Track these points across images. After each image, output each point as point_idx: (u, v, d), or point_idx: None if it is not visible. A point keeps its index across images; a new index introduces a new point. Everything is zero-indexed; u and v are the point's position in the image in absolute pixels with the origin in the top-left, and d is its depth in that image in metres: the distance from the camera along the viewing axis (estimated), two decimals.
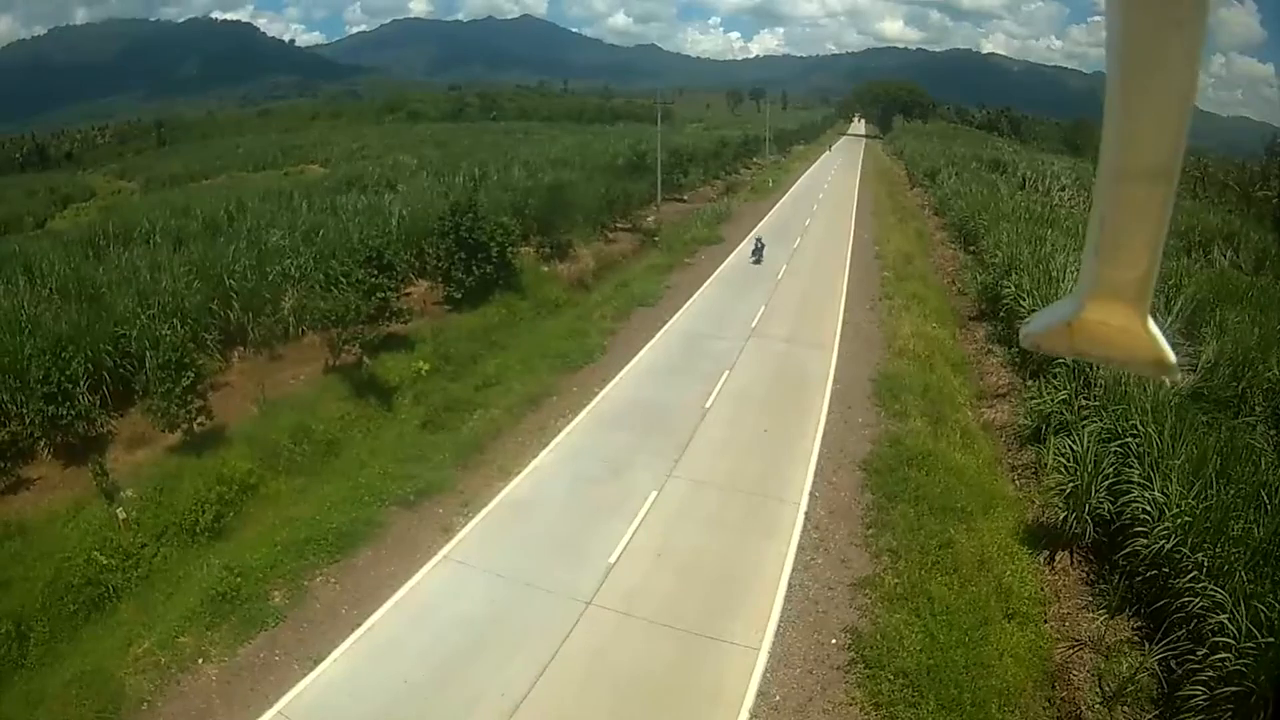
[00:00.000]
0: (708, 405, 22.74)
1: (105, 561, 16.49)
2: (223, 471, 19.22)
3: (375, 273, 26.45)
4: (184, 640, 14.22)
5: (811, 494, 17.90)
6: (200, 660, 13.85)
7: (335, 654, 13.78)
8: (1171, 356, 1.28)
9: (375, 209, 38.42)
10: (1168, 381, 1.47)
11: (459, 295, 31.01)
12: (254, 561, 16.20)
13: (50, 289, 28.27)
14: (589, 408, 23.43)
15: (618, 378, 25.24)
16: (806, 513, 17.17)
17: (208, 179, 78.68)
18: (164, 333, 23.11)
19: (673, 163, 60.95)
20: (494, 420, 22.56)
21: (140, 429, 21.22)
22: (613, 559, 15.96)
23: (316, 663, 13.61)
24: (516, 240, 34.86)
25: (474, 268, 30.94)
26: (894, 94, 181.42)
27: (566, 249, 39.28)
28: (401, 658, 13.54)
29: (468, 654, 13.49)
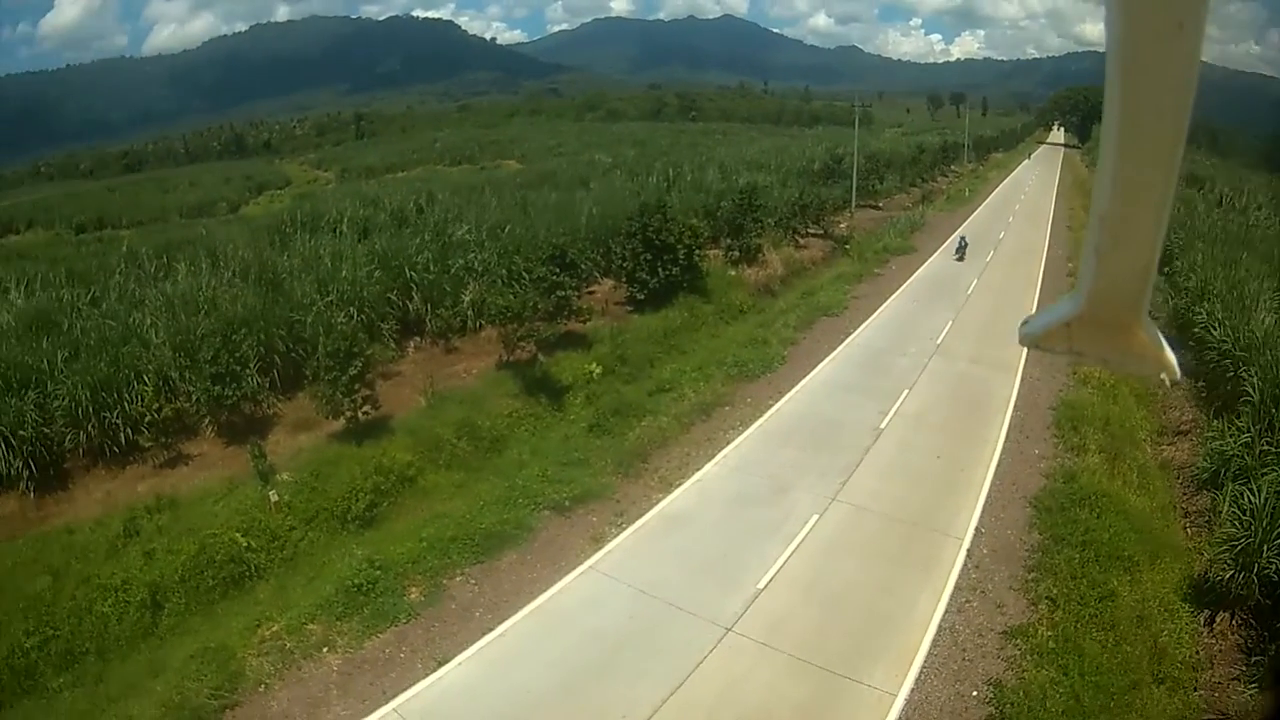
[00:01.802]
0: (882, 426, 23.81)
1: (247, 542, 18.63)
2: (382, 461, 21.26)
3: (557, 270, 28.26)
4: (313, 627, 15.89)
5: (977, 530, 18.48)
6: (325, 649, 15.42)
7: (462, 657, 14.96)
8: (1170, 356, 1.60)
9: (565, 206, 41.05)
10: (1166, 381, 1.84)
11: (642, 296, 32.63)
12: (397, 555, 17.87)
13: (233, 272, 32.63)
14: (761, 421, 24.52)
15: (794, 391, 26.72)
16: (969, 550, 17.73)
17: (403, 171, 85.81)
18: (339, 320, 26.06)
19: (869, 168, 62.45)
20: (662, 428, 23.85)
21: (306, 414, 23.87)
22: (762, 584, 16.57)
23: (441, 664, 14.82)
24: (705, 243, 36.89)
25: (659, 269, 32.50)
26: (1092, 101, 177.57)
27: (756, 254, 40.70)
28: (528, 667, 14.48)
29: (597, 670, 14.28)
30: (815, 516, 18.89)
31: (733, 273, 38.67)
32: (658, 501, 20.09)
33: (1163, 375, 1.52)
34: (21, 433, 21.18)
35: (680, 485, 20.83)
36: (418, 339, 29.03)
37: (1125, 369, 1.61)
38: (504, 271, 30.31)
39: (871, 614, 15.71)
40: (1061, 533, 17.90)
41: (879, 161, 67.47)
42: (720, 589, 16.43)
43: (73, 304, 30.51)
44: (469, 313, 29.16)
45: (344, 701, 14.19)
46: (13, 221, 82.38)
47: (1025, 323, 1.59)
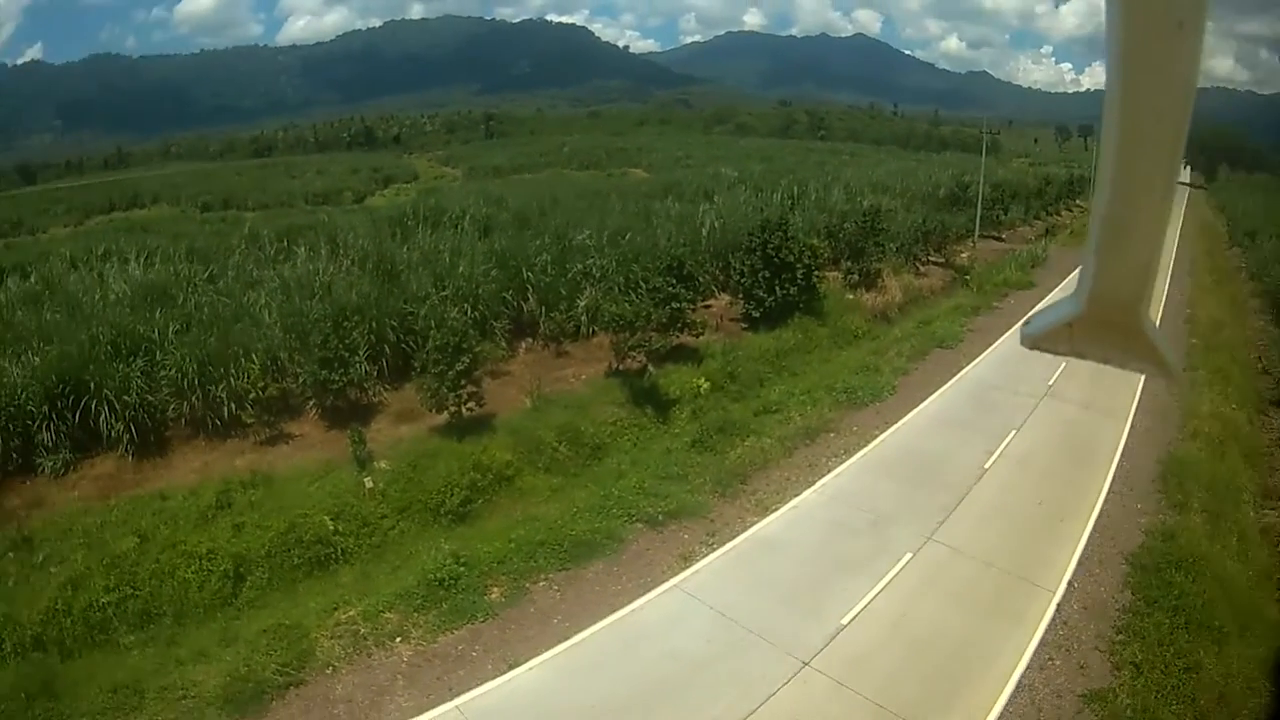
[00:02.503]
0: (986, 466, 23.83)
1: (336, 526, 19.55)
2: (481, 459, 22.02)
3: (674, 281, 28.63)
4: (389, 616, 16.57)
5: (1070, 584, 18.36)
6: (398, 639, 16.06)
7: (534, 661, 15.40)
8: (1171, 357, 1.68)
9: (688, 217, 41.45)
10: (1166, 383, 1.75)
11: (757, 314, 32.91)
12: (484, 553, 18.48)
13: (351, 260, 34.23)
14: (864, 451, 24.59)
15: (901, 422, 26.91)
16: (1059, 604, 17.60)
17: (530, 173, 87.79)
18: (451, 315, 26.96)
19: (994, 198, 62.23)
20: (764, 450, 24.02)
21: (410, 405, 24.90)
22: (845, 620, 16.60)
23: (512, 667, 15.29)
24: (824, 264, 37.27)
25: (776, 287, 32.73)
26: (1219, 140, 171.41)
27: (875, 278, 40.60)
28: (599, 680, 14.82)
29: (665, 691, 14.53)
30: (909, 555, 19.03)
31: (850, 296, 38.73)
32: (752, 524, 20.35)
33: (1163, 379, 1.62)
34: (126, 398, 22.75)
35: (776, 510, 21.06)
36: (529, 340, 29.86)
37: (1127, 369, 1.67)
38: (621, 279, 30.96)
39: (952, 663, 15.64)
40: (1154, 595, 17.78)
41: (1004, 192, 66.94)
42: (803, 620, 16.54)
43: (189, 279, 32.72)
44: (583, 318, 29.89)
45: (408, 692, 14.76)
46: (139, 196, 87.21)
47: (1027, 322, 1.66)
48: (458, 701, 14.41)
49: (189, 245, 40.22)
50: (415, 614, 16.64)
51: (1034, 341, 1.67)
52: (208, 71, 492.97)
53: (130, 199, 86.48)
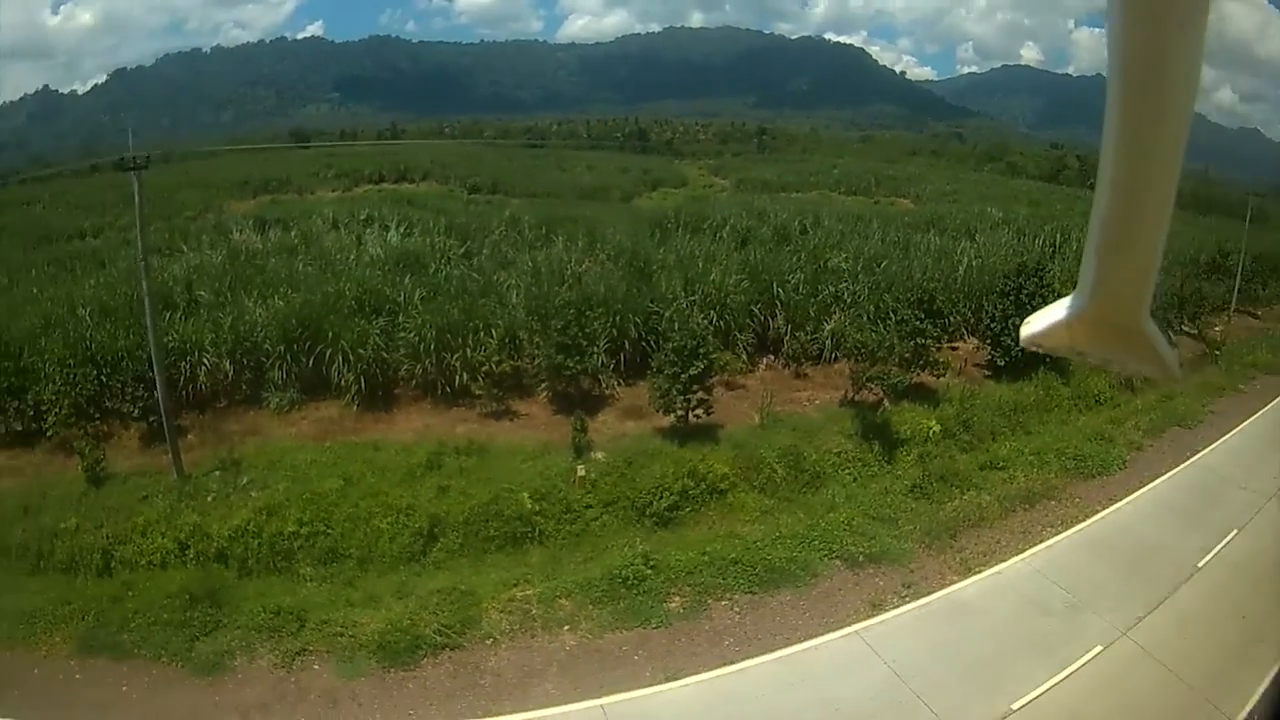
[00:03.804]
0: (1199, 565, 22.32)
1: (538, 507, 20.39)
2: (698, 467, 22.37)
3: (922, 316, 27.99)
4: (564, 603, 17.20)
5: (1250, 715, 16.85)
6: (566, 627, 16.61)
7: (691, 679, 15.56)
8: (1171, 358, 1.68)
9: (946, 253, 40.35)
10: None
11: (1001, 362, 31.54)
12: (675, 560, 18.77)
13: (606, 254, 35.70)
14: (1081, 526, 23.38)
15: (1124, 501, 25.55)
16: None
17: (798, 192, 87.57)
18: (696, 320, 27.45)
19: (1254, 270, 56.28)
20: (981, 507, 23.16)
21: (639, 403, 25.62)
22: (1016, 706, 15.85)
23: (669, 679, 15.51)
24: None
25: None
26: None
27: None
28: (746, 712, 14.82)
29: None
30: (1099, 648, 17.99)
31: None
32: (950, 584, 19.73)
33: (1163, 380, 1.52)
34: (361, 351, 24.85)
35: (978, 572, 20.33)
36: (770, 357, 30.01)
37: (1126, 370, 1.64)
38: (871, 307, 30.44)
39: None
40: None
41: (1265, 264, 61.70)
42: (973, 698, 15.94)
43: (444, 251, 35.22)
44: (827, 341, 29.61)
45: (559, 681, 15.31)
46: (409, 170, 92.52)
47: (1027, 322, 1.66)
48: (604, 701, 14.77)
49: (449, 221, 43.01)
50: (590, 606, 17.17)
51: (1034, 341, 1.67)
52: (486, 61, 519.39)
53: (399, 172, 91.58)
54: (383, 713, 15.65)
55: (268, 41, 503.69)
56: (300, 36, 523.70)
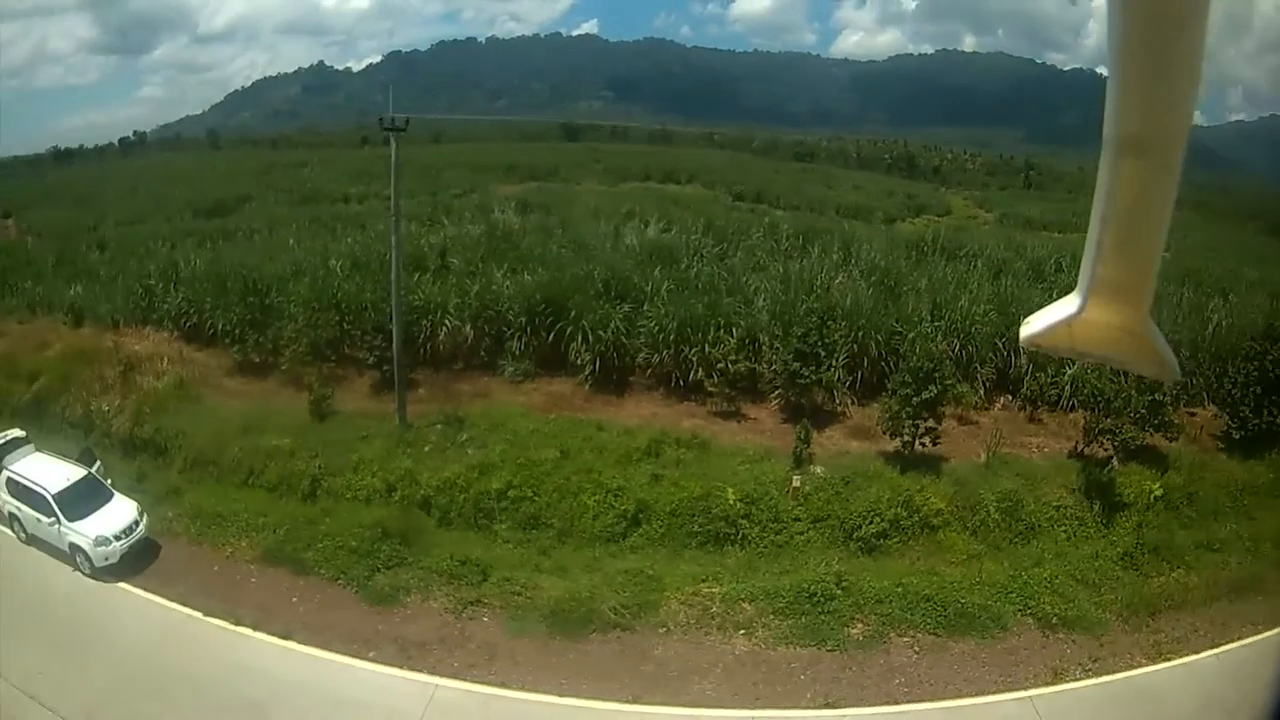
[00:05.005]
0: None
1: (747, 511, 20.40)
2: (914, 498, 21.65)
3: None
4: (746, 607, 17.16)
5: None
6: (742, 632, 16.58)
7: (849, 711, 15.29)
8: (1171, 357, 1.52)
9: (1198, 309, 37.54)
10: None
11: (1238, 434, 28.51)
12: (867, 586, 18.34)
13: (860, 271, 34.99)
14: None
15: None
16: None
17: (1060, 232, 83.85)
18: (939, 345, 26.81)
19: None
20: (1188, 589, 20.79)
21: (869, 424, 25.11)
22: None
23: (827, 706, 15.28)
24: None
25: (1265, 409, 28.07)
26: None
27: None
28: None
29: None
30: None
31: None
32: (1138, 666, 18.03)
33: (1163, 379, 1.39)
34: (601, 333, 25.74)
35: (1168, 661, 18.40)
36: (1008, 396, 28.51)
37: (1126, 369, 1.54)
38: None
39: None
40: None
41: None
42: None
43: (698, 249, 35.75)
44: (1066, 387, 28.01)
45: (718, 685, 15.30)
46: (676, 172, 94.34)
47: (1026, 322, 1.61)
48: (757, 713, 14.68)
49: (708, 222, 43.50)
50: (771, 615, 17.05)
51: (1034, 341, 1.55)
52: (759, 71, 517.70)
53: (666, 173, 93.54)
54: (535, 675, 16.17)
55: (542, 36, 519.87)
56: (574, 34, 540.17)
